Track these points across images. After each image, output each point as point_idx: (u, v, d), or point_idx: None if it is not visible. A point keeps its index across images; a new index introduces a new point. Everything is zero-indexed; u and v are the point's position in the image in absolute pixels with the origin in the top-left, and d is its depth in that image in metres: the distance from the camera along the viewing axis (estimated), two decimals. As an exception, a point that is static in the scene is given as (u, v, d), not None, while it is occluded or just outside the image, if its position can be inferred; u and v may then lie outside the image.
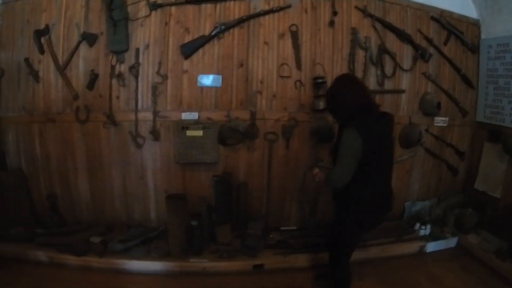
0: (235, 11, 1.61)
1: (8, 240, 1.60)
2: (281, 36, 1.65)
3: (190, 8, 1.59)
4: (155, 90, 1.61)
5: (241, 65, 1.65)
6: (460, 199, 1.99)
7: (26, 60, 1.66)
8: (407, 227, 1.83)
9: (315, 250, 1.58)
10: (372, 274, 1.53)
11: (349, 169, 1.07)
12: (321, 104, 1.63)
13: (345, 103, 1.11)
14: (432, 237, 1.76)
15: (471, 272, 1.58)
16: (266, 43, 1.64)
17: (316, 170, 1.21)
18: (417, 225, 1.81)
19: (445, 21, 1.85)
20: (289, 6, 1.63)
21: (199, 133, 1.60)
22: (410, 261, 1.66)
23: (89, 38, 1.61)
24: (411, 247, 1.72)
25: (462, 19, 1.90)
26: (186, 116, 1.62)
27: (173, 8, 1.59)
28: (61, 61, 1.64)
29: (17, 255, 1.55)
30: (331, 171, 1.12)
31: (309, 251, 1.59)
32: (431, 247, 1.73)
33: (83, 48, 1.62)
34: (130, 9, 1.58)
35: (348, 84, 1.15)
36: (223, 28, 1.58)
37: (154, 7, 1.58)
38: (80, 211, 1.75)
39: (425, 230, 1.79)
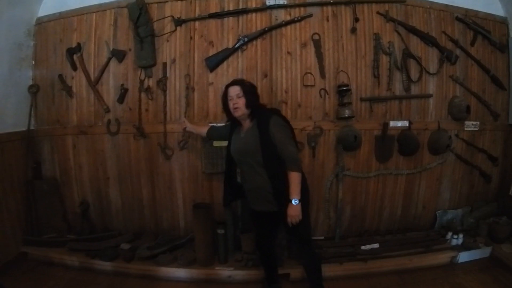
0: (257, 23, 1.64)
1: (40, 245, 1.70)
2: (304, 45, 1.66)
3: (213, 22, 1.65)
4: (183, 103, 1.66)
5: (265, 76, 1.67)
6: (494, 208, 1.88)
7: (60, 76, 1.78)
8: (437, 237, 1.75)
9: (341, 260, 1.56)
10: (397, 285, 1.48)
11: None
12: (347, 112, 1.62)
13: (258, 97, 1.27)
14: (464, 247, 1.68)
15: (503, 284, 1.48)
16: (289, 53, 1.66)
17: (291, 212, 1.13)
18: (449, 234, 1.73)
19: (470, 21, 1.78)
20: (310, 15, 1.64)
21: (226, 143, 1.62)
22: (440, 272, 1.58)
23: (118, 55, 1.70)
24: (442, 258, 1.64)
25: (488, 17, 1.83)
26: (212, 127, 1.66)
27: (196, 23, 1.65)
28: (92, 77, 1.75)
29: (48, 258, 1.65)
30: (290, 154, 1.14)
31: (335, 261, 1.56)
32: (463, 257, 1.65)
33: (113, 64, 1.72)
34: (155, 25, 1.65)
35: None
36: (246, 40, 1.61)
37: (178, 22, 1.65)
38: (110, 219, 1.83)
39: (457, 240, 1.71)
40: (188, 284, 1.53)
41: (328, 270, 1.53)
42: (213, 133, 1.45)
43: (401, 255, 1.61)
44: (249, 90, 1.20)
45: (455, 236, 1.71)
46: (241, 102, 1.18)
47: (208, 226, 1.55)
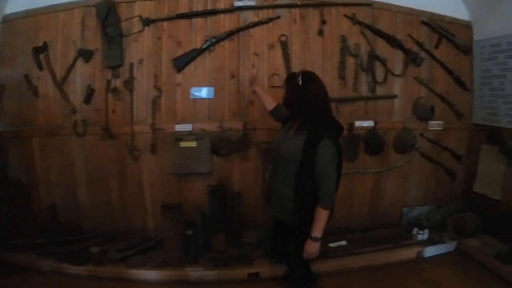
0: (225, 24, 1.65)
1: (10, 249, 1.64)
2: (271, 46, 1.68)
3: (182, 23, 1.64)
4: (150, 103, 1.65)
5: (233, 76, 1.68)
6: (460, 204, 1.95)
7: (26, 76, 1.72)
8: (404, 233, 1.81)
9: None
10: (368, 281, 1.52)
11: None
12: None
13: (316, 99, 1.03)
14: (430, 242, 1.74)
15: (471, 276, 1.55)
16: (256, 54, 1.67)
17: (309, 245, 1.05)
18: (415, 230, 1.79)
19: (436, 25, 1.85)
20: (278, 17, 1.66)
21: (193, 144, 1.64)
22: (409, 267, 1.63)
23: (85, 54, 1.67)
24: (409, 253, 1.69)
25: (453, 21, 1.90)
26: (180, 128, 1.66)
27: (165, 23, 1.64)
28: (59, 76, 1.71)
29: (19, 263, 1.60)
30: (327, 190, 1.01)
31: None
32: (429, 252, 1.71)
33: (80, 64, 1.68)
34: (124, 25, 1.63)
35: (316, 78, 1.07)
36: (214, 41, 1.62)
37: (147, 22, 1.63)
38: (80, 221, 1.79)
39: (423, 235, 1.77)
40: (160, 285, 1.51)
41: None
42: (277, 112, 1.30)
43: (371, 251, 1.65)
44: (292, 89, 1.03)
45: (421, 232, 1.77)
46: (283, 98, 1.07)
47: (177, 227, 1.55)
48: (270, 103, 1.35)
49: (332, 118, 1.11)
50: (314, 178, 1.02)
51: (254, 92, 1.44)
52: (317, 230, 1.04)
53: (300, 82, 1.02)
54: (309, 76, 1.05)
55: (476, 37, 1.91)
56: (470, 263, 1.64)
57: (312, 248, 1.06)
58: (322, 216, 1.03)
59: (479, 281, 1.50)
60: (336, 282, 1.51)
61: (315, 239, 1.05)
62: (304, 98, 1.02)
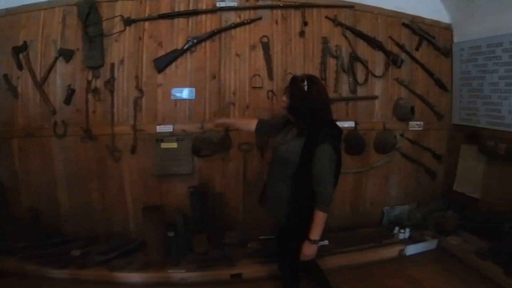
0: (207, 24, 1.65)
1: None
2: (253, 47, 1.69)
3: (163, 23, 1.64)
4: (131, 104, 1.64)
5: (214, 77, 1.69)
6: (440, 203, 2.00)
7: (5, 76, 1.69)
8: (386, 232, 1.84)
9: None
10: (351, 280, 1.54)
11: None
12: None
13: (318, 102, 1.04)
14: (412, 240, 1.78)
15: (452, 272, 1.58)
16: (238, 55, 1.68)
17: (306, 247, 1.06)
18: (396, 229, 1.82)
19: (416, 27, 1.89)
20: (259, 18, 1.67)
21: (174, 145, 1.63)
22: (391, 266, 1.66)
23: (66, 54, 1.65)
24: (391, 251, 1.72)
25: (434, 24, 1.95)
26: (161, 128, 1.65)
27: (146, 23, 1.63)
28: (38, 77, 1.68)
29: (0, 268, 1.56)
30: (324, 193, 1.03)
31: (286, 259, 1.60)
32: (411, 250, 1.75)
33: (60, 64, 1.66)
34: (105, 25, 1.62)
35: (318, 81, 1.10)
36: (195, 42, 1.62)
37: (128, 22, 1.62)
38: (61, 224, 1.76)
39: (404, 234, 1.80)
40: (142, 287, 1.50)
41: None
42: (263, 129, 1.28)
43: (353, 251, 1.67)
44: (296, 94, 1.04)
45: (402, 231, 1.81)
46: (287, 103, 1.08)
47: (158, 229, 1.54)
48: (250, 124, 1.33)
49: (332, 121, 1.14)
50: (311, 181, 1.05)
51: (228, 128, 1.47)
52: (316, 233, 1.06)
53: (305, 87, 1.05)
54: (311, 80, 1.08)
55: (456, 39, 1.97)
56: (451, 261, 1.68)
57: (310, 250, 1.08)
58: (320, 218, 1.05)
59: (460, 278, 1.54)
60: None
61: (314, 242, 1.07)
62: (306, 101, 1.05)
